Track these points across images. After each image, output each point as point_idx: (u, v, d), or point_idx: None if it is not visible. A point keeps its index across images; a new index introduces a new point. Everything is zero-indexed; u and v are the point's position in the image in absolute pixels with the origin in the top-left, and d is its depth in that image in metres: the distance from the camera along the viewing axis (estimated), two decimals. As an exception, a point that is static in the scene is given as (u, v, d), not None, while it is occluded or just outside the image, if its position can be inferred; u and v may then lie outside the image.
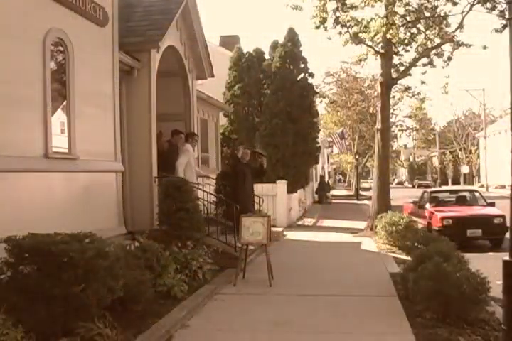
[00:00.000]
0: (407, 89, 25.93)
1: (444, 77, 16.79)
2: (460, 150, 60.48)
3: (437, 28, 13.31)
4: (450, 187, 45.14)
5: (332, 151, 47.85)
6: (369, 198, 24.97)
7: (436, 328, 5.17)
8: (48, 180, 6.40)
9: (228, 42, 26.69)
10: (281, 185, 16.04)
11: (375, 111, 25.94)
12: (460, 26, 13.13)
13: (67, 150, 6.82)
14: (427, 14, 13.25)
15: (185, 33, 10.51)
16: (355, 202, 31.90)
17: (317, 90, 26.76)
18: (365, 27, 13.21)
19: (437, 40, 13.59)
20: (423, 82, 16.81)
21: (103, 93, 7.85)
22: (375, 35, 13.26)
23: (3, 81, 5.54)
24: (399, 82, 16.20)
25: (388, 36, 12.90)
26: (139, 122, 8.94)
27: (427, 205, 13.74)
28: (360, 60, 15.10)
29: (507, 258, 4.50)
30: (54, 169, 6.47)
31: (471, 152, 58.96)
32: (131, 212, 8.74)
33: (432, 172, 71.37)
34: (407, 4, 12.99)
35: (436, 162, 66.93)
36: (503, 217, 11.79)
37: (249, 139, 20.93)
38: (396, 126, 39.71)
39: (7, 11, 5.65)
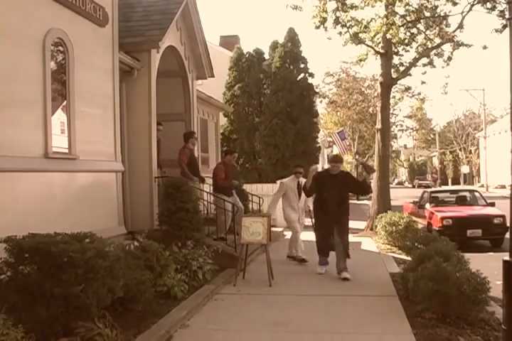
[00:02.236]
0: (407, 89, 25.89)
1: (444, 77, 16.87)
2: (460, 150, 60.41)
3: (437, 28, 13.30)
4: (450, 187, 45.16)
5: (332, 151, 47.81)
6: (369, 198, 24.93)
7: (436, 328, 5.17)
8: (48, 180, 6.39)
9: (228, 42, 26.72)
10: (282, 185, 15.93)
11: (375, 111, 25.88)
12: (460, 26, 13.12)
13: (67, 150, 6.82)
14: (427, 14, 13.23)
15: (185, 33, 10.51)
16: (355, 202, 31.84)
17: (317, 90, 26.77)
18: (365, 27, 13.22)
19: (437, 40, 13.57)
20: (423, 82, 16.89)
21: (103, 93, 7.85)
22: (375, 35, 13.26)
23: (3, 81, 5.54)
24: (399, 82, 16.18)
25: (388, 36, 12.89)
26: (138, 122, 8.94)
27: (427, 205, 13.71)
28: (360, 60, 15.07)
29: (507, 258, 4.49)
30: (54, 169, 6.48)
31: (471, 152, 58.87)
32: (131, 212, 8.75)
33: (432, 172, 71.33)
34: (407, 4, 12.98)
35: (436, 162, 66.90)
36: (503, 217, 11.78)
37: (249, 139, 20.94)
38: (396, 126, 39.70)
39: (7, 10, 5.65)
